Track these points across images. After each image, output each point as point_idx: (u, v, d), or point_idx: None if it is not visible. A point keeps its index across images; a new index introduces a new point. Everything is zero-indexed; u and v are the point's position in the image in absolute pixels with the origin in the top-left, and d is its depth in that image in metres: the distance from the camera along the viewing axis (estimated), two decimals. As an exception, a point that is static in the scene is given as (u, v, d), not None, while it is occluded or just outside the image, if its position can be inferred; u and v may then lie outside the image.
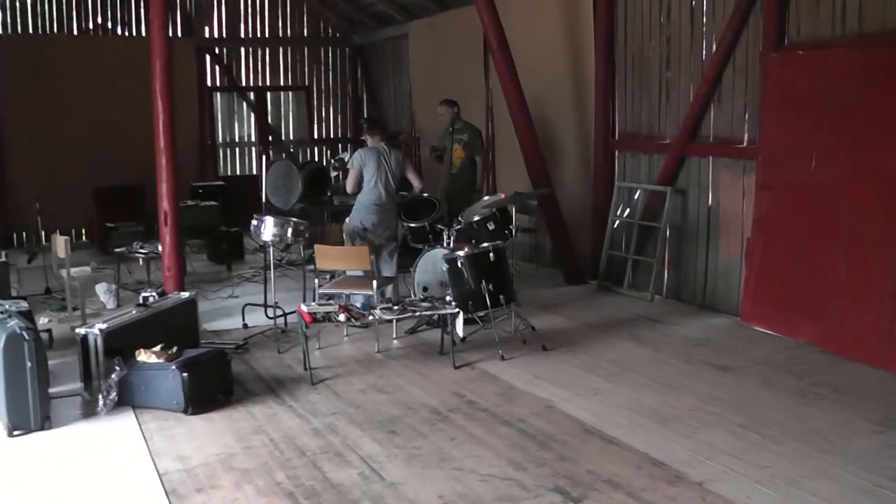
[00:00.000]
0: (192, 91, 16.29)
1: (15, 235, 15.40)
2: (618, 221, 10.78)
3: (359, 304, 8.39)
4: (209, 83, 16.85)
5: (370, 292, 8.31)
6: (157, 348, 7.12)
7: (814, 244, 8.19)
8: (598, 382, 7.28)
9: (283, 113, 17.80)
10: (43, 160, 14.77)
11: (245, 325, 9.32)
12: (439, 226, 9.22)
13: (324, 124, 17.93)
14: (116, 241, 13.99)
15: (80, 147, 14.88)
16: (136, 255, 10.23)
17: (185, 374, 6.78)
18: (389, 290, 8.94)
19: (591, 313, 9.61)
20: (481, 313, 8.05)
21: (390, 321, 8.04)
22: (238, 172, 17.23)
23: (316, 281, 8.64)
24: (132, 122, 14.57)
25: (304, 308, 7.52)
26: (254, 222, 8.62)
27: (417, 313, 7.56)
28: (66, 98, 14.85)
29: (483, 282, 7.91)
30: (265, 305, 9.13)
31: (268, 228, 8.49)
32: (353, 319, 7.39)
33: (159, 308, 7.97)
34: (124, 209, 14.19)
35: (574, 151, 11.60)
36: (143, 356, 7.02)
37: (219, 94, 17.12)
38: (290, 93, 17.78)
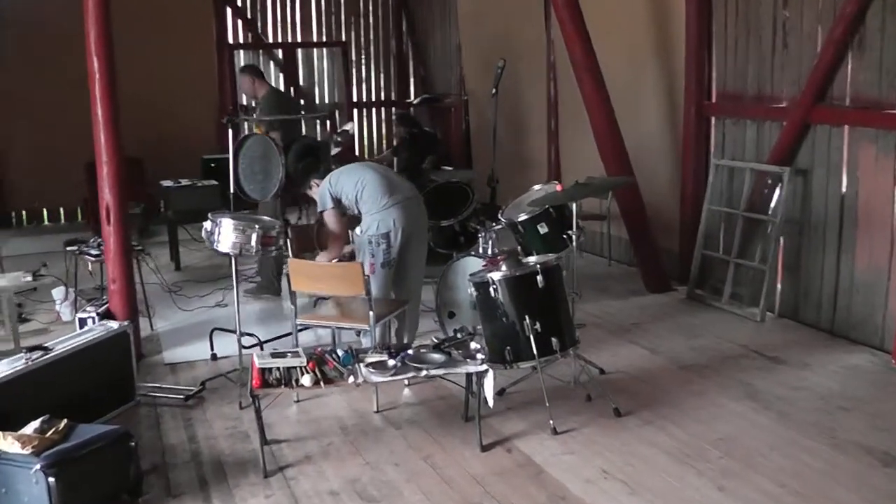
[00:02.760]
0: (209, 49, 13.90)
1: (14, 215, 13.12)
2: (715, 211, 7.96)
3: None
4: (230, 40, 14.23)
5: (365, 327, 5.65)
6: (37, 423, 4.60)
7: None
8: (703, 491, 4.56)
9: (316, 73, 15.07)
10: (34, 130, 12.38)
11: (214, 356, 6.79)
12: (473, 225, 6.53)
13: (364, 85, 15.24)
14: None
15: (74, 116, 12.37)
16: (86, 257, 7.67)
17: (51, 480, 4.23)
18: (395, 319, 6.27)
19: (681, 342, 6.85)
20: (524, 365, 5.34)
21: (380, 384, 5.28)
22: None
23: (291, 307, 5.98)
24: (126, 87, 12.13)
25: (256, 361, 4.92)
26: (206, 225, 6.00)
27: (423, 373, 4.86)
28: (57, 60, 12.41)
29: (527, 318, 5.20)
30: (238, 332, 6.57)
31: (225, 234, 5.86)
32: (322, 382, 4.74)
33: (66, 352, 5.44)
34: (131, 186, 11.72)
35: (657, 117, 8.78)
36: (5, 442, 4.47)
37: (241, 52, 14.46)
38: (325, 49, 15.05)
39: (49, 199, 12.99)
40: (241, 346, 6.39)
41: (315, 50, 14.97)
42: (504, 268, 5.35)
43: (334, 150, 8.22)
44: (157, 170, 11.72)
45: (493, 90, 7.64)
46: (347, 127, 8.47)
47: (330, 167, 6.88)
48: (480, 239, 6.43)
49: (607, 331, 7.16)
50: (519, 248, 6.26)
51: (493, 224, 6.40)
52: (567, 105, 10.04)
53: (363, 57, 15.17)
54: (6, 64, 12.43)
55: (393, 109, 14.63)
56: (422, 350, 5.07)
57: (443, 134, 13.67)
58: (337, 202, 6.31)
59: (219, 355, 6.76)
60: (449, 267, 6.51)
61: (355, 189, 6.25)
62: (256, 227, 5.82)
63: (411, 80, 15.28)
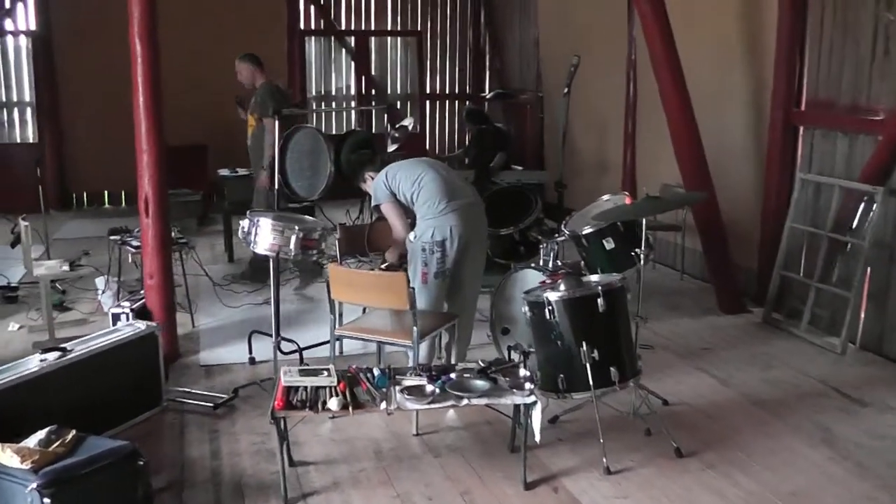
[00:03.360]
0: (279, 35, 13.57)
1: (74, 197, 12.95)
2: (797, 230, 7.33)
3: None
4: (302, 25, 13.85)
5: (408, 343, 5.17)
6: (43, 433, 4.22)
7: None
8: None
9: (389, 62, 14.62)
10: (100, 114, 12.07)
11: (252, 360, 6.38)
12: (534, 234, 6.02)
13: (438, 77, 14.76)
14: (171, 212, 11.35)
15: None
16: (127, 247, 7.31)
17: (46, 501, 3.83)
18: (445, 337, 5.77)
19: (754, 373, 6.25)
20: (578, 396, 4.81)
21: (414, 411, 4.78)
22: (333, 130, 14.29)
23: (333, 319, 5.52)
24: (195, 71, 11.91)
25: (283, 377, 4.48)
26: (243, 224, 5.57)
27: (464, 402, 4.36)
28: (125, 45, 12.20)
29: (584, 344, 4.68)
30: (277, 337, 6.15)
31: (263, 235, 5.43)
32: (351, 408, 4.27)
33: (85, 354, 5.06)
34: (183, 173, 11.41)
35: (740, 122, 8.16)
36: (4, 455, 4.09)
37: (313, 39, 14.09)
38: (399, 39, 14.61)
39: (112, 183, 12.79)
40: (279, 351, 5.99)
41: (389, 39, 14.55)
42: (562, 287, 4.82)
43: (391, 147, 7.70)
44: (222, 157, 11.38)
45: (566, 89, 7.08)
46: (407, 122, 7.90)
47: (385, 160, 6.42)
48: (542, 250, 5.90)
49: (675, 354, 6.59)
50: (582, 262, 5.74)
51: (556, 235, 5.86)
52: (646, 106, 9.46)
53: (439, 47, 14.70)
54: (73, 44, 12.24)
55: (467, 103, 14.13)
56: (465, 375, 4.57)
57: (516, 132, 13.13)
58: (393, 197, 5.85)
59: (257, 359, 6.36)
60: (506, 279, 6.00)
61: (412, 188, 5.77)
62: (296, 228, 5.38)
63: (487, 73, 14.75)
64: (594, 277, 5.07)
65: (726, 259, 7.72)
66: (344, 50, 14.26)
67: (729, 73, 8.22)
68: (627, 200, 5.03)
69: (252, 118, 8.07)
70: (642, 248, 5.19)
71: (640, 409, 5.20)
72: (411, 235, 5.74)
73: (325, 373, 4.51)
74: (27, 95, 12.86)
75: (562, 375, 4.76)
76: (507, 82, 13.97)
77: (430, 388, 4.38)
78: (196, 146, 11.83)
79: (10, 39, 12.73)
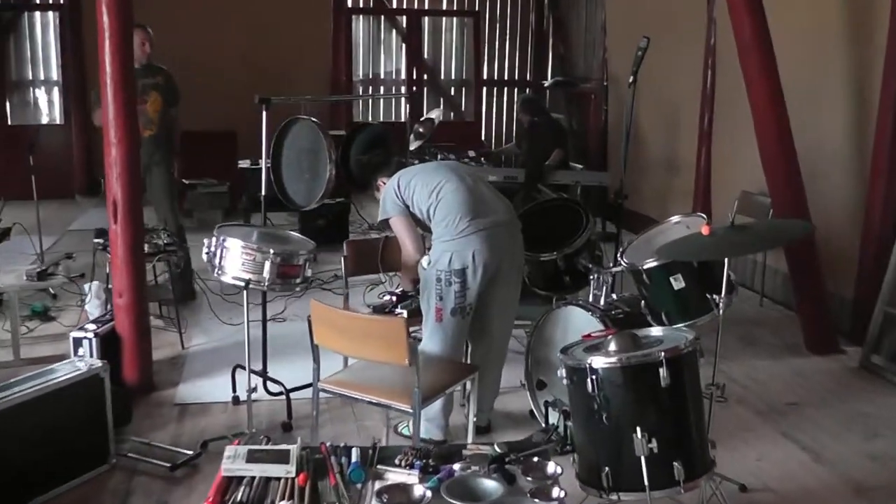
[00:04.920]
0: (324, 13, 12.43)
1: (102, 182, 11.91)
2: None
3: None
4: (349, 3, 12.66)
5: (406, 409, 3.91)
6: None
7: None
8: None
9: (443, 45, 13.31)
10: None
11: (236, 399, 5.20)
12: (583, 261, 4.73)
13: (496, 62, 13.44)
14: (192, 202, 10.29)
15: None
16: (108, 253, 6.15)
17: None
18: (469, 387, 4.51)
19: (854, 443, 4.87)
20: (628, 498, 3.50)
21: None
22: (381, 118, 13.11)
23: (316, 368, 4.26)
24: (223, 51, 10.82)
25: (224, 462, 3.26)
26: (207, 245, 4.36)
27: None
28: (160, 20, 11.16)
29: (638, 430, 3.37)
30: (264, 376, 4.97)
31: (231, 259, 4.21)
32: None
33: (5, 404, 3.92)
34: (208, 162, 10.37)
35: (839, 122, 6.76)
36: None
37: (360, 18, 12.84)
38: (454, 19, 13.30)
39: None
40: (266, 391, 4.82)
41: (444, 19, 13.26)
42: (612, 348, 3.52)
43: (414, 144, 6.35)
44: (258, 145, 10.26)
45: (631, 77, 5.75)
46: (434, 115, 6.53)
47: (403, 163, 5.18)
48: (592, 282, 4.60)
49: (754, 411, 5.25)
50: (643, 302, 4.44)
51: (611, 264, 4.57)
52: (726, 99, 8.09)
53: (498, 29, 13.37)
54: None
55: (527, 90, 12.85)
56: (472, 468, 3.31)
57: (578, 125, 11.80)
58: (405, 210, 4.62)
59: (243, 398, 5.16)
60: (546, 317, 4.70)
61: (430, 200, 4.53)
62: (271, 251, 4.15)
63: (549, 59, 13.37)
64: (656, 331, 3.76)
65: (818, 286, 6.33)
66: (394, 30, 13.02)
67: (827, 61, 6.81)
68: (705, 230, 3.72)
69: (153, 106, 6.82)
70: (722, 292, 3.85)
71: (711, 500, 3.89)
72: (424, 261, 4.50)
73: (286, 456, 3.28)
74: (54, 74, 11.88)
75: (607, 469, 3.46)
76: (571, 69, 12.62)
77: (418, 490, 3.12)
78: (222, 133, 10.68)
79: (37, 15, 11.76)
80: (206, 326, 6.55)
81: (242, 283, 4.22)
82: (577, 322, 4.51)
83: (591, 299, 4.61)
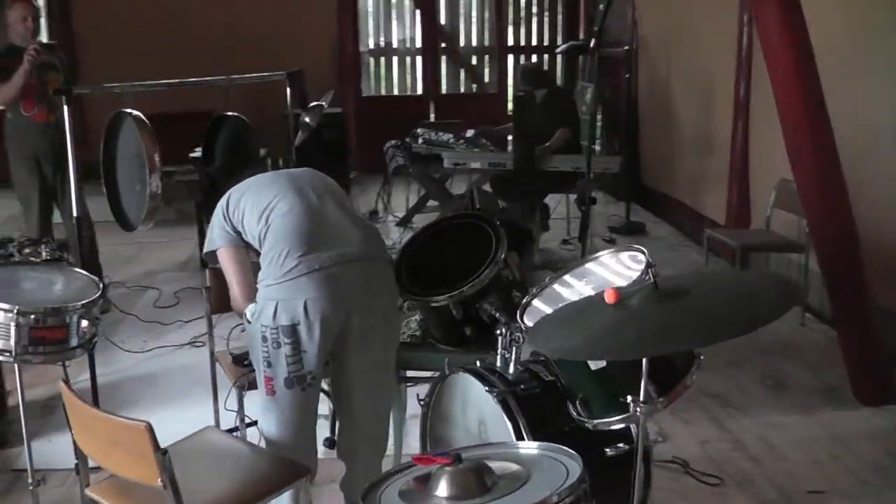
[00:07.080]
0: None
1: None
2: None
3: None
4: (355, -35, 11.30)
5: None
6: None
7: None
8: None
9: (462, 7, 11.73)
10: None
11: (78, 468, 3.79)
12: (489, 308, 3.20)
13: (522, 27, 11.82)
14: (170, 193, 8.95)
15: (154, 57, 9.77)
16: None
17: None
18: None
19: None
20: None
21: None
22: (395, 91, 11.66)
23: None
24: (227, 17, 9.60)
25: None
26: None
27: None
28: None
29: None
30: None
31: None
32: None
33: None
34: (187, 147, 9.06)
35: (886, 102, 5.16)
36: None
37: (369, -18, 11.44)
38: (474, -21, 11.78)
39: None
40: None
41: (462, -21, 11.71)
42: (439, 493, 2.03)
43: (299, 139, 4.73)
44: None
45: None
46: (323, 100, 4.98)
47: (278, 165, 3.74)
48: (499, 340, 3.07)
49: (777, 491, 3.72)
50: (559, 383, 2.90)
51: (521, 321, 3.05)
52: (760, 111, 6.53)
53: (523, -7, 11.82)
54: None
55: (533, 58, 11.33)
56: None
57: (611, 96, 10.13)
58: (237, 239, 3.18)
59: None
60: (439, 385, 3.19)
61: (259, 225, 3.13)
62: (15, 310, 2.77)
63: (581, 22, 11.70)
64: (527, 454, 2.24)
65: (865, 310, 4.69)
66: (407, -6, 11.52)
67: (868, 28, 5.17)
68: (609, 297, 2.16)
69: (55, 86, 5.47)
70: (642, 390, 2.29)
71: None
72: (249, 310, 3.06)
73: None
74: None
75: None
76: (604, 32, 10.93)
77: None
78: (200, 114, 9.35)
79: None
80: (110, 355, 5.18)
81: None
82: (475, 398, 3.04)
83: (498, 363, 3.08)
